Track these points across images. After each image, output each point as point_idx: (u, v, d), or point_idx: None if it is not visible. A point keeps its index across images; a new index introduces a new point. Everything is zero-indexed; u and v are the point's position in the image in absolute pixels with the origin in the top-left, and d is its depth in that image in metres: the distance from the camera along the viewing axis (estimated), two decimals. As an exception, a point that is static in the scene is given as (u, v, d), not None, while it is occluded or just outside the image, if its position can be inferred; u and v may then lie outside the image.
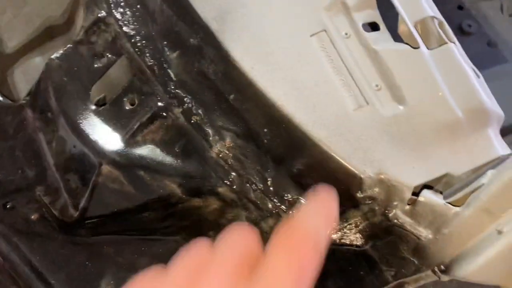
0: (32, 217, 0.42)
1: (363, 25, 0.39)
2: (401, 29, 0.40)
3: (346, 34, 0.38)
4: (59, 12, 0.54)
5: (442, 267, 0.35)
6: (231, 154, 0.38)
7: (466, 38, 0.71)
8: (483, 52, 0.71)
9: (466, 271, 0.34)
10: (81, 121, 0.41)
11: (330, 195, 0.29)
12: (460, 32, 0.72)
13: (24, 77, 0.52)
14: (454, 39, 0.40)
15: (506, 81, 0.68)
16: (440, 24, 0.40)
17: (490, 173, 0.34)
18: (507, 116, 0.63)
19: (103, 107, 0.41)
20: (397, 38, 0.40)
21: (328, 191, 0.29)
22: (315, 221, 0.27)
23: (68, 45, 0.42)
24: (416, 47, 0.38)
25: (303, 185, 0.37)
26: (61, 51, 0.42)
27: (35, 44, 0.53)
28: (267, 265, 0.26)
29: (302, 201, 0.37)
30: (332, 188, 0.29)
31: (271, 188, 0.38)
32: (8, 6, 0.53)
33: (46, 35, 0.54)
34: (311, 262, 0.26)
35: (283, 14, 0.38)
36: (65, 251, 0.43)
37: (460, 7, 0.75)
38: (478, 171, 0.37)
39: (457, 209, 0.34)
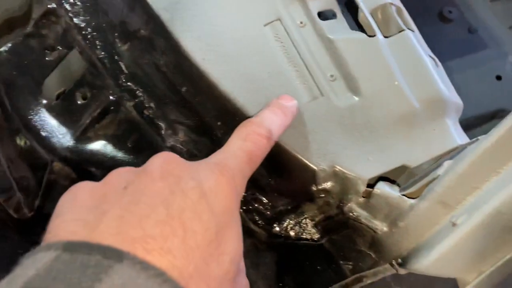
0: (-15, 216, 0.41)
1: (320, 14, 0.38)
2: (361, 17, 0.39)
3: (301, 23, 0.37)
4: (17, 4, 0.52)
5: (400, 260, 0.34)
6: (185, 149, 0.37)
7: (446, 25, 0.70)
8: (464, 39, 0.70)
9: (422, 264, 0.33)
10: (32, 117, 0.39)
11: (290, 102, 0.33)
12: (441, 18, 0.70)
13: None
14: (413, 26, 0.39)
15: (486, 68, 0.67)
16: (398, 10, 0.38)
17: (446, 164, 0.33)
18: (488, 101, 0.63)
19: (54, 102, 0.40)
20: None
21: (289, 99, 0.34)
22: (271, 117, 0.32)
23: (18, 38, 0.41)
24: (372, 35, 0.37)
25: (256, 179, 0.36)
26: (10, 44, 0.41)
27: (-8, 38, 0.52)
28: (226, 143, 0.30)
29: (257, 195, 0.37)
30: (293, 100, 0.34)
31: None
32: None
33: (5, 28, 0.53)
34: (263, 144, 0.31)
35: (236, 3, 0.37)
36: (23, 251, 0.41)
37: (442, -7, 0.73)
38: (437, 162, 0.36)
39: (412, 201, 0.33)
